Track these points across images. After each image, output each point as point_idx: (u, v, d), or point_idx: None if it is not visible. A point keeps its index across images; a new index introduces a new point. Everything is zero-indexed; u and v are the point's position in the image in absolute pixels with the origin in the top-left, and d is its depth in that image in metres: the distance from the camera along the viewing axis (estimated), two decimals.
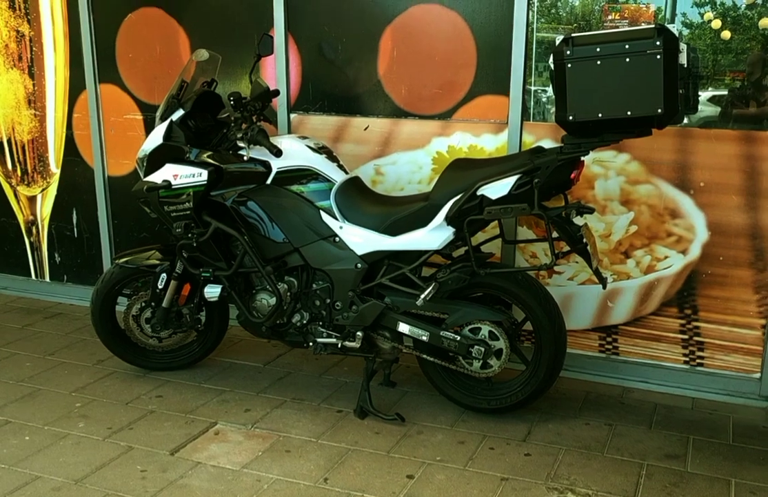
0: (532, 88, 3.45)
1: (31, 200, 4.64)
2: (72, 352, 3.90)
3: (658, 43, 2.41)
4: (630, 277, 3.43)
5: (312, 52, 3.80)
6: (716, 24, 3.12)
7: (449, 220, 2.84)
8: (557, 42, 2.57)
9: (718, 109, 3.20)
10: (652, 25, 2.47)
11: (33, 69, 4.41)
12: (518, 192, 2.74)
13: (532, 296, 2.95)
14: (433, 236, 2.90)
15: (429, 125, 3.63)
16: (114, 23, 4.17)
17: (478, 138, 3.55)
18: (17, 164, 4.62)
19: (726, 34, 3.13)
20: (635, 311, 3.47)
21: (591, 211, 2.82)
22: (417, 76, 3.60)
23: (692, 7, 3.18)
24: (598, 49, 2.48)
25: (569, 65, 2.52)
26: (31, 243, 4.74)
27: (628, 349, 3.52)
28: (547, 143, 3.42)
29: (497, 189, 2.76)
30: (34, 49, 4.37)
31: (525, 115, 3.45)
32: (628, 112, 2.49)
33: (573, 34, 2.53)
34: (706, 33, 3.17)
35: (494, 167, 2.82)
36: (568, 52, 2.51)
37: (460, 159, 3.01)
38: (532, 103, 3.46)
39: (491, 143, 3.53)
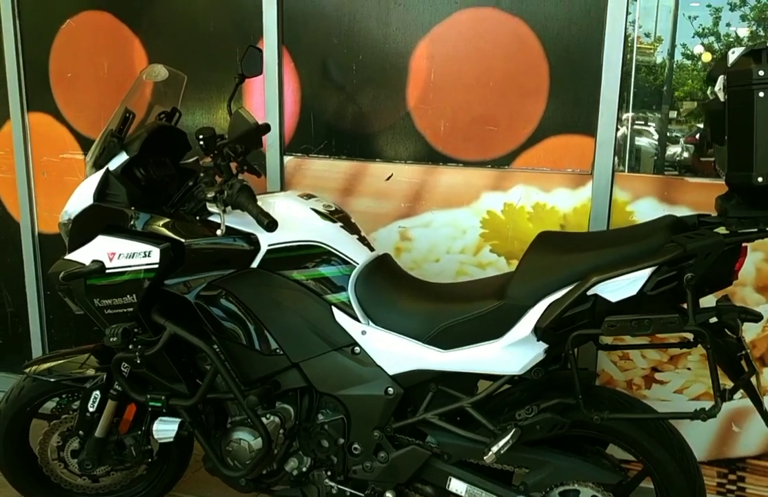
0: (629, 126, 2.45)
1: None
2: None
3: None
4: (767, 393, 2.41)
5: (315, 73, 2.78)
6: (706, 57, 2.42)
7: (542, 332, 1.80)
8: (732, 56, 1.58)
9: None
10: None
11: None
12: (655, 292, 1.72)
13: (663, 447, 1.92)
14: (512, 355, 1.86)
15: (477, 174, 2.62)
16: (48, 33, 3.13)
17: (547, 194, 2.54)
18: None
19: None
20: None
21: (758, 318, 1.81)
22: (462, 108, 2.60)
23: (693, 37, 2.39)
24: None
25: (762, 94, 1.52)
26: None
27: (761, 492, 2.50)
28: (648, 203, 2.43)
29: (621, 287, 1.73)
30: None
31: (617, 163, 2.45)
32: None
33: None
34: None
35: (611, 251, 1.79)
36: (761, 73, 1.51)
37: (551, 233, 1.99)
38: (627, 147, 2.46)
39: (567, 201, 2.52)
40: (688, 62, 2.42)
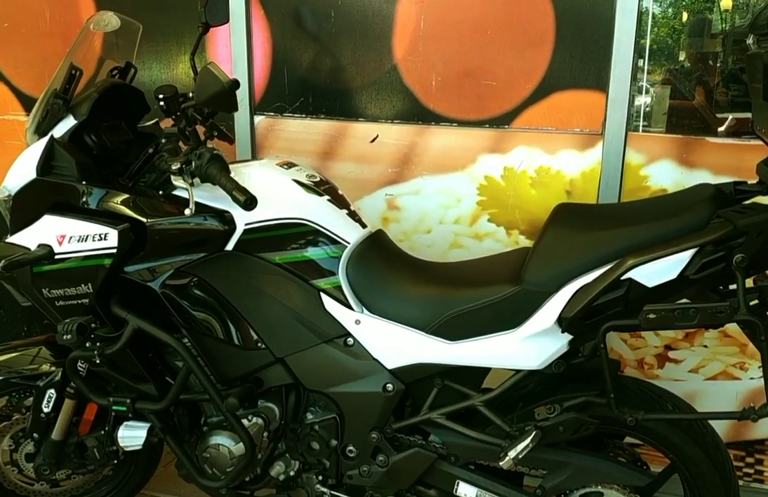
0: (644, 82, 2.21)
1: None
2: None
3: None
4: None
5: (288, 21, 2.49)
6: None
7: (567, 323, 1.57)
8: None
9: None
10: None
11: None
12: (698, 276, 1.49)
13: (696, 444, 1.72)
14: (531, 348, 1.63)
15: (473, 135, 2.36)
16: None
17: (552, 156, 2.30)
18: None
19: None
20: None
21: None
22: (456, 60, 2.33)
23: None
24: None
25: None
26: None
27: None
28: (665, 166, 2.21)
29: (660, 270, 1.50)
30: None
31: (630, 122, 2.21)
32: None
33: None
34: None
35: (646, 226, 1.56)
36: None
37: (572, 206, 1.75)
38: (642, 104, 2.22)
39: (574, 165, 2.29)
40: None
